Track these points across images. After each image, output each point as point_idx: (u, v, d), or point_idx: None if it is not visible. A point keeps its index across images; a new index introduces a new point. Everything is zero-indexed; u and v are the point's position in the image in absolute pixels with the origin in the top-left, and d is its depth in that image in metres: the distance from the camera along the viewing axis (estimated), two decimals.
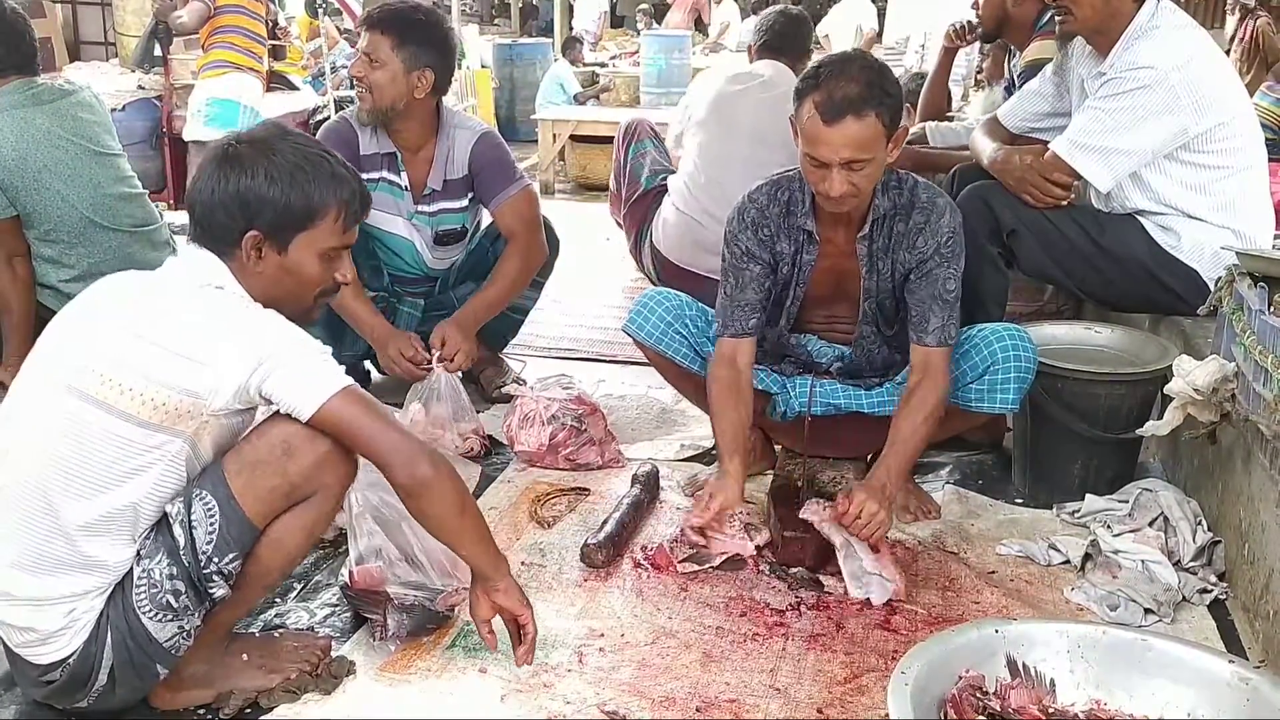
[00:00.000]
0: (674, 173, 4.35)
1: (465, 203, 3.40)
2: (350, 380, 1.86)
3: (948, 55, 4.65)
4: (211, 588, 1.85)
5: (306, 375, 1.82)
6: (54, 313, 3.13)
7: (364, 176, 3.21)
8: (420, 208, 3.35)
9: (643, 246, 4.36)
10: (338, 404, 1.82)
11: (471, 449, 3.09)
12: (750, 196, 2.67)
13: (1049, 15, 3.87)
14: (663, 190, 4.32)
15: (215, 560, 1.83)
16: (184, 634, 1.87)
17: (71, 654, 1.83)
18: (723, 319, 2.66)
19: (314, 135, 3.38)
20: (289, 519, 1.90)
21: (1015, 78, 3.95)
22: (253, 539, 1.87)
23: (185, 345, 1.77)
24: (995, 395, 2.59)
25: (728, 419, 2.57)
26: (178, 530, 1.82)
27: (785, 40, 4.45)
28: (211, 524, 1.82)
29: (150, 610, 1.83)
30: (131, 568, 1.84)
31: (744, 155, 4.08)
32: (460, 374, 3.69)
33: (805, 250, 2.62)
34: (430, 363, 3.15)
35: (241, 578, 1.88)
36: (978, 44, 4.88)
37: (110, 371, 1.76)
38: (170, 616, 1.84)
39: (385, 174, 3.30)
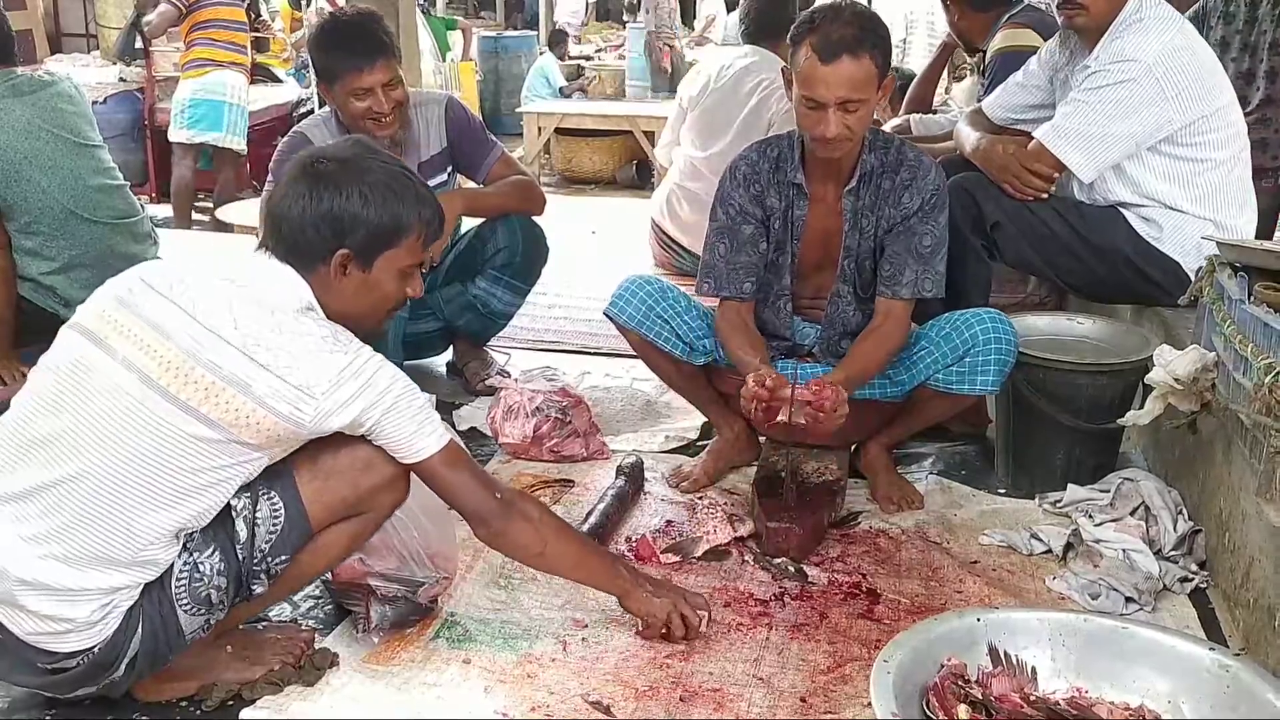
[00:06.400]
0: None
1: (445, 176, 3.41)
2: (451, 435, 1.95)
3: (945, 50, 4.66)
4: (254, 584, 1.87)
5: (416, 427, 1.88)
6: (34, 305, 3.18)
7: None
8: None
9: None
10: (439, 460, 1.92)
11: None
12: (742, 155, 2.73)
13: (1019, 7, 3.90)
14: None
15: (269, 559, 1.86)
16: (206, 626, 1.89)
17: (98, 644, 1.80)
18: (715, 280, 2.70)
19: (293, 129, 3.38)
20: (339, 529, 1.95)
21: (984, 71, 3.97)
22: (306, 544, 1.90)
23: (302, 379, 1.78)
24: (976, 377, 2.61)
25: (749, 352, 2.57)
26: (240, 525, 1.83)
27: (765, 24, 4.60)
28: (275, 524, 1.85)
29: (188, 603, 1.84)
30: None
31: (728, 143, 4.45)
32: (446, 367, 3.71)
33: (796, 205, 2.66)
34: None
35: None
36: None
37: (219, 388, 1.74)
38: (204, 610, 1.85)
39: None
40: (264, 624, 2.20)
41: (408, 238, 1.92)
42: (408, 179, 1.94)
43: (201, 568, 1.83)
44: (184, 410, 1.74)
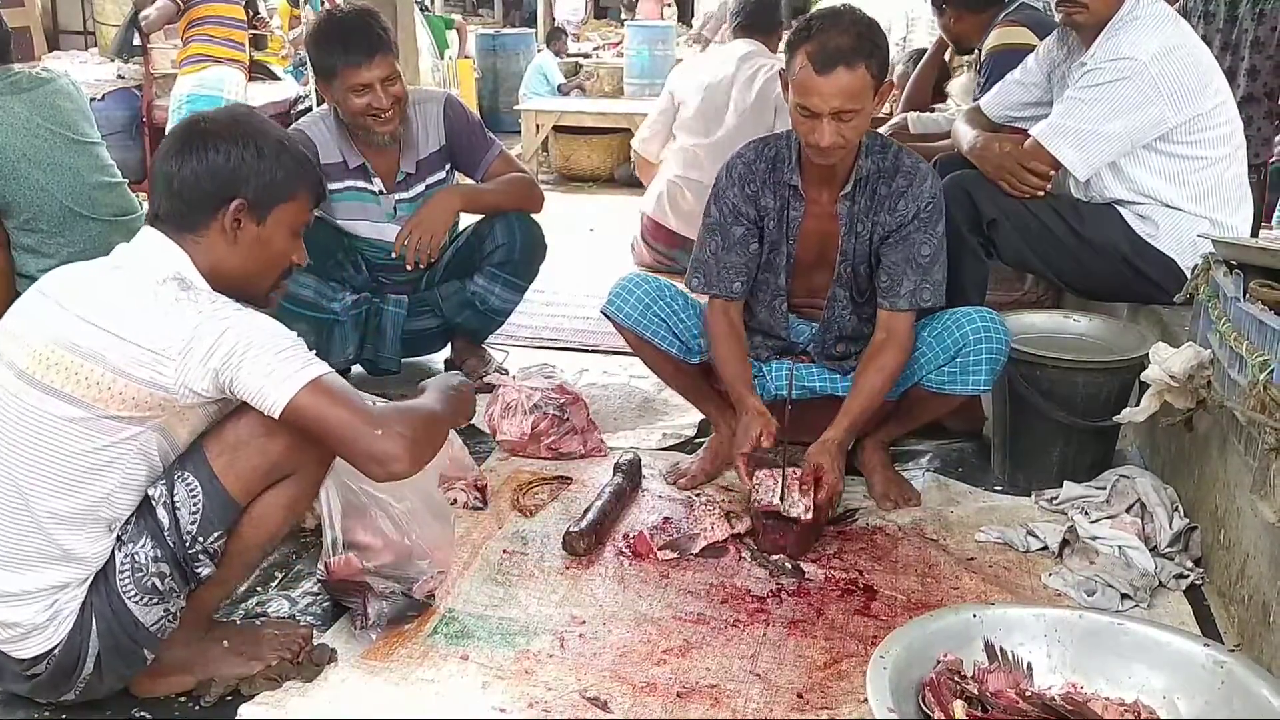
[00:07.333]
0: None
1: (443, 173, 3.42)
2: (321, 369, 1.81)
3: (940, 48, 4.67)
4: (198, 567, 1.86)
5: (272, 370, 1.76)
6: None
7: (329, 187, 3.26)
8: (399, 196, 3.34)
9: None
10: (304, 400, 1.77)
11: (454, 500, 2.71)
12: (739, 153, 2.73)
13: (1014, 5, 3.90)
14: None
15: (200, 540, 1.84)
16: (169, 616, 1.88)
17: (56, 646, 1.82)
18: (705, 276, 2.72)
19: (292, 126, 3.38)
20: (270, 496, 1.92)
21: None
22: (236, 517, 1.88)
23: (155, 341, 1.75)
24: (967, 377, 2.63)
25: (734, 366, 2.64)
26: (161, 512, 1.83)
27: (758, 17, 4.68)
28: (195, 504, 1.83)
29: (136, 595, 1.83)
30: (113, 554, 1.84)
31: (733, 127, 4.54)
32: (444, 365, 3.71)
33: (791, 207, 2.66)
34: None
35: (223, 556, 1.89)
36: None
37: (77, 365, 1.75)
38: (156, 599, 1.85)
39: (351, 182, 3.30)
40: (262, 620, 2.21)
41: (299, 193, 1.95)
42: (292, 141, 1.99)
43: (138, 558, 1.83)
44: (49, 394, 1.75)
